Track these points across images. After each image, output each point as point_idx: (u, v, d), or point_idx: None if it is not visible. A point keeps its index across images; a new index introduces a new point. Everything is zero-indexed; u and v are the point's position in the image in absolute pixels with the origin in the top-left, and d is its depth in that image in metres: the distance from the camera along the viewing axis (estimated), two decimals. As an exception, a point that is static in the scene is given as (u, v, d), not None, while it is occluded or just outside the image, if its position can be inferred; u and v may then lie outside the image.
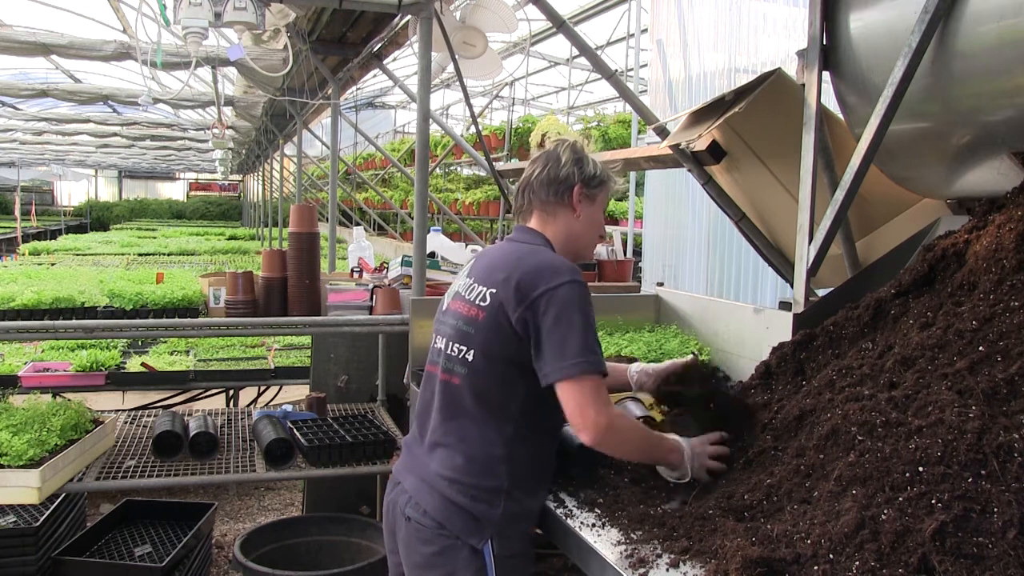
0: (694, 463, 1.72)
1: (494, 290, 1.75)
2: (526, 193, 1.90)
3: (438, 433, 1.82)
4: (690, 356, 2.18)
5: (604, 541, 1.52)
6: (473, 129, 6.11)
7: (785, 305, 2.64)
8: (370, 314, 3.28)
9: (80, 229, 24.06)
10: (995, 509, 1.17)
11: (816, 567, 1.21)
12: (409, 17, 3.93)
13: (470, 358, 1.76)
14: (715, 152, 2.92)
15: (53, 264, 8.42)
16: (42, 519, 3.14)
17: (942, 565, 1.13)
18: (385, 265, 4.15)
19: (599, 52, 5.79)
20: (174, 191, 34.69)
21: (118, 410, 4.16)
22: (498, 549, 1.71)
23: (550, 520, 1.72)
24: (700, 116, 2.86)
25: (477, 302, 1.78)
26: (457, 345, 1.80)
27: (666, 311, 3.09)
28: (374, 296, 3.31)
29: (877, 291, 1.97)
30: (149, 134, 12.37)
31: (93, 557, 3.19)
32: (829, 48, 2.30)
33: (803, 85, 2.35)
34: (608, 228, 8.18)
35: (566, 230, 1.89)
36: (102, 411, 3.36)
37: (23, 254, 11.02)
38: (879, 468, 1.33)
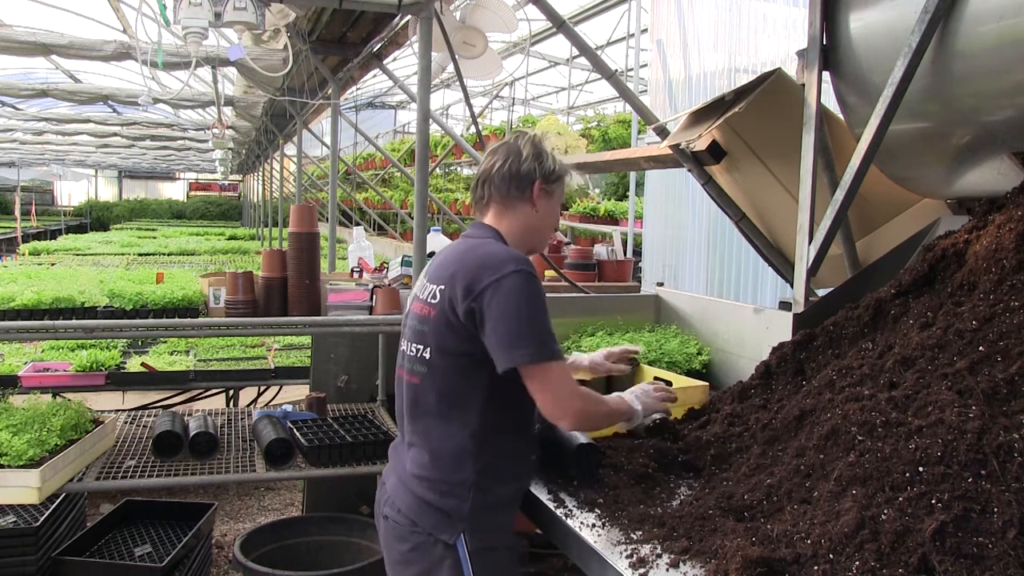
0: (646, 404, 1.96)
1: (442, 286, 1.77)
2: (486, 186, 1.90)
3: (409, 433, 1.85)
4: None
5: (604, 541, 1.52)
6: (473, 129, 6.12)
7: (785, 305, 2.64)
8: (370, 314, 3.28)
9: (80, 229, 24.05)
10: (995, 509, 1.17)
11: (816, 567, 1.21)
12: (409, 17, 3.93)
13: (427, 356, 1.78)
14: (715, 152, 2.92)
15: (53, 264, 8.42)
16: (42, 519, 3.14)
17: (942, 565, 1.13)
18: (385, 265, 4.15)
19: (599, 52, 5.79)
20: (174, 191, 34.68)
21: (118, 410, 4.15)
22: (472, 543, 1.72)
23: (550, 520, 1.72)
24: (700, 116, 2.86)
25: (428, 300, 1.81)
26: (415, 344, 1.83)
27: (666, 311, 3.09)
28: (374, 296, 3.31)
29: (877, 291, 1.97)
30: (149, 134, 12.37)
31: (93, 557, 3.19)
32: (829, 48, 2.30)
33: (803, 85, 2.35)
34: (608, 228, 8.20)
35: (523, 224, 1.90)
36: (102, 411, 3.36)
37: (23, 254, 11.02)
38: (879, 468, 1.33)
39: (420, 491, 1.77)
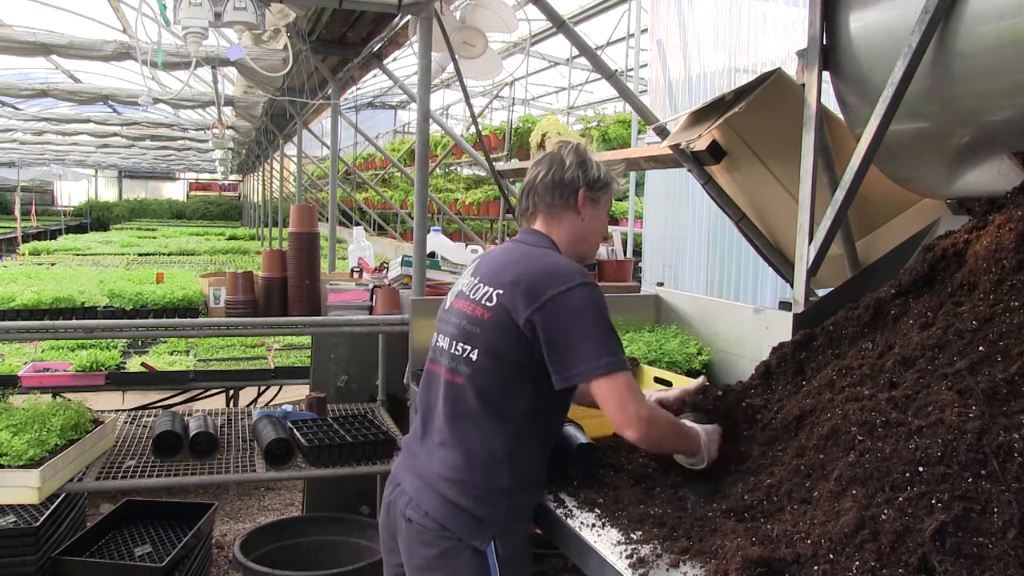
0: (710, 449, 1.76)
1: (501, 291, 1.74)
2: (531, 196, 1.90)
3: (440, 433, 1.80)
4: (701, 379, 2.10)
5: (604, 541, 1.52)
6: (473, 129, 6.13)
7: (785, 305, 2.64)
8: (370, 314, 3.28)
9: (80, 229, 24.06)
10: (995, 509, 1.17)
11: (816, 567, 1.21)
12: (409, 17, 3.93)
13: (474, 357, 1.75)
14: (715, 152, 2.91)
15: (53, 264, 8.42)
16: (42, 519, 3.14)
17: (942, 565, 1.13)
18: (385, 265, 4.15)
19: (599, 52, 5.79)
20: (174, 191, 34.69)
21: (118, 410, 4.15)
22: (501, 550, 1.70)
23: (550, 520, 1.72)
24: (700, 116, 2.86)
25: (483, 302, 1.77)
26: (461, 344, 1.79)
27: (666, 311, 3.09)
28: (374, 296, 3.31)
29: (877, 291, 1.97)
30: (149, 134, 12.38)
31: (93, 557, 3.19)
32: (829, 48, 2.30)
33: (803, 85, 2.35)
34: (608, 228, 8.20)
35: (571, 232, 1.89)
36: (102, 411, 3.36)
37: (23, 254, 11.02)
38: (879, 468, 1.33)
39: (452, 495, 1.72)
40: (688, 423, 1.80)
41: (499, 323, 1.72)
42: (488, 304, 1.76)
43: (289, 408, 3.52)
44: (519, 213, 1.96)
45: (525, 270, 1.73)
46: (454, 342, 1.81)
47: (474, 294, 1.81)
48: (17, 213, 19.23)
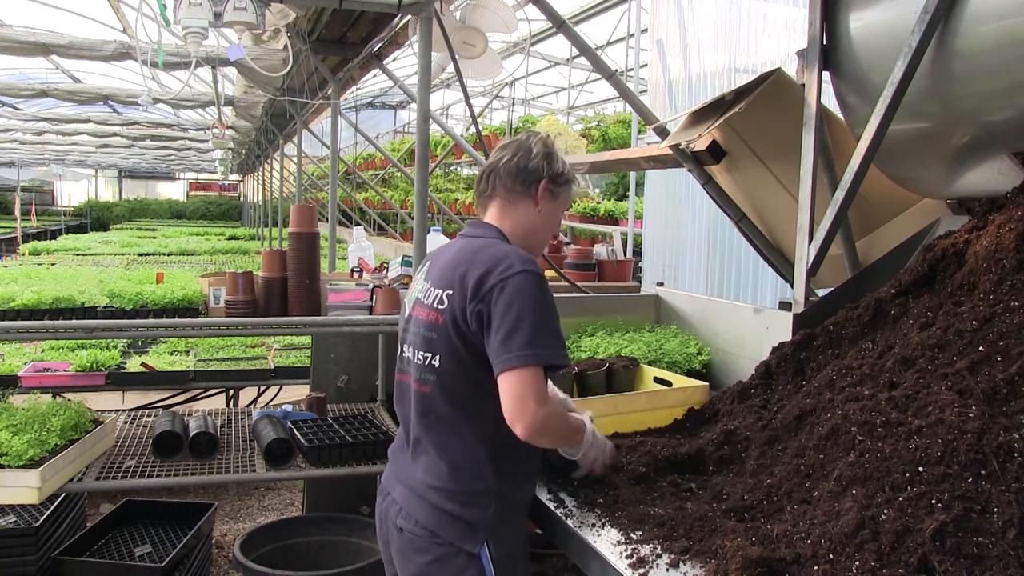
0: (594, 451, 1.80)
1: (450, 291, 1.72)
2: (491, 178, 1.86)
3: (419, 442, 1.80)
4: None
5: (604, 541, 1.52)
6: (473, 129, 6.13)
7: (785, 305, 2.64)
8: (370, 314, 3.28)
9: (80, 229, 24.06)
10: (995, 509, 1.17)
11: (816, 567, 1.21)
12: (409, 17, 3.93)
13: (437, 364, 1.73)
14: (715, 152, 2.92)
15: (53, 264, 8.42)
16: (42, 519, 3.14)
17: (942, 565, 1.13)
18: (385, 265, 4.15)
19: (599, 52, 5.79)
20: (174, 191, 34.71)
21: (118, 410, 4.15)
22: (495, 551, 1.69)
23: (550, 520, 1.72)
24: (700, 116, 2.86)
25: (435, 306, 1.75)
26: (423, 352, 1.77)
27: (666, 311, 3.09)
28: (374, 296, 3.31)
29: (877, 291, 1.97)
30: (149, 134, 12.38)
31: (93, 557, 3.19)
32: (829, 48, 2.30)
33: (803, 85, 2.35)
34: (608, 228, 8.20)
35: (525, 223, 1.86)
36: (102, 411, 3.35)
37: (23, 254, 11.02)
38: (879, 468, 1.33)
39: (439, 502, 1.72)
40: (577, 415, 1.83)
41: (454, 325, 1.70)
42: (440, 307, 1.74)
43: (289, 408, 3.51)
44: (477, 195, 1.93)
45: (471, 265, 1.71)
46: (417, 351, 1.79)
47: (427, 299, 1.79)
48: (17, 213, 19.22)
